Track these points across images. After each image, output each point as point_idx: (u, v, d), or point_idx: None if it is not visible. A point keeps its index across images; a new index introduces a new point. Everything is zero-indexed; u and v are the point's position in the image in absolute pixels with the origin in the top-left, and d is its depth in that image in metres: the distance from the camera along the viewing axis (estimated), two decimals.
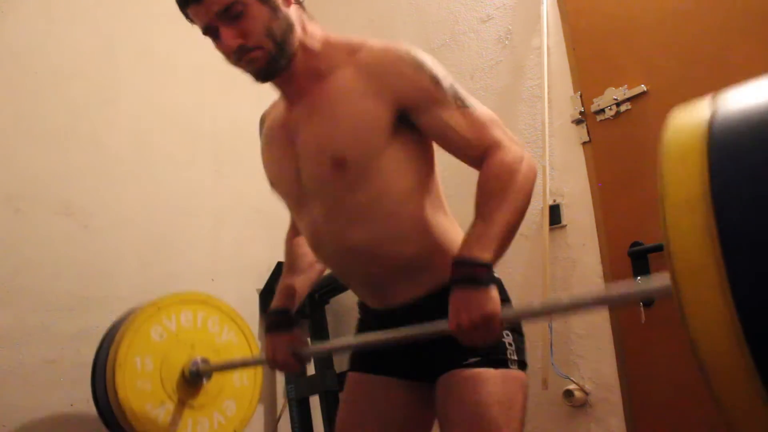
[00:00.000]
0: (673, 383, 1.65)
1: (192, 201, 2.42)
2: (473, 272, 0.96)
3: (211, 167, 2.56)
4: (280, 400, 2.46)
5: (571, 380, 1.84)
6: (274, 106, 1.31)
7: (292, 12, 1.08)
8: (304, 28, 1.11)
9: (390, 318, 1.17)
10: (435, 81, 1.06)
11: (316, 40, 1.12)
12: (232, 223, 2.48)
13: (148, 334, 1.57)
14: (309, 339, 2.39)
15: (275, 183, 1.23)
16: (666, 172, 0.68)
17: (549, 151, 2.01)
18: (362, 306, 1.31)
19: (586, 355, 1.85)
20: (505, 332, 1.16)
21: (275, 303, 1.30)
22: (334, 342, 1.30)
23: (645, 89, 1.78)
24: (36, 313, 1.95)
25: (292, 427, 2.34)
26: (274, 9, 1.05)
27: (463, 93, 1.09)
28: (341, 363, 2.41)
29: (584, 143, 1.94)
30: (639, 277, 1.71)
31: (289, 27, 1.07)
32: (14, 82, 2.07)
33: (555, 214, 1.97)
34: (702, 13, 1.69)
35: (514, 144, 1.07)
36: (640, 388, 1.72)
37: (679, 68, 1.72)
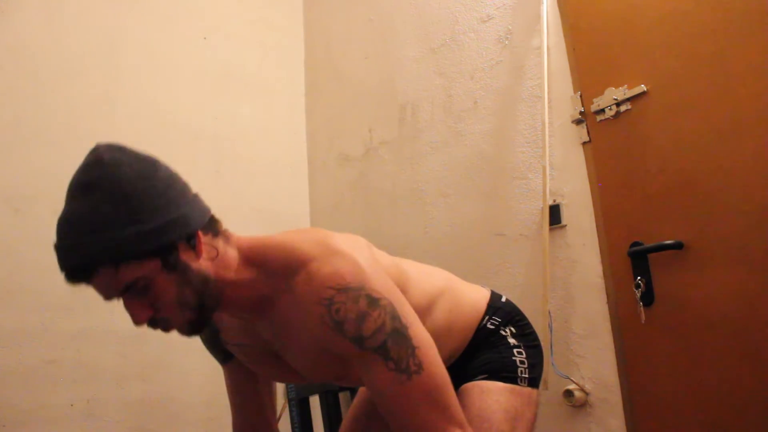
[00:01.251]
0: (673, 383, 1.65)
1: None
2: None
3: (211, 167, 2.56)
4: (280, 400, 2.46)
5: (571, 380, 1.84)
6: (216, 320, 1.16)
7: (204, 262, 0.91)
8: (223, 263, 0.95)
9: None
10: (357, 342, 0.89)
11: (245, 268, 0.97)
12: (232, 223, 2.47)
13: None
14: None
15: (263, 374, 1.20)
16: None
17: (549, 151, 2.01)
18: None
19: (586, 355, 1.85)
20: (517, 350, 1.18)
21: None
22: None
23: (645, 89, 1.78)
24: (36, 313, 1.95)
25: (292, 427, 2.34)
26: (184, 271, 0.88)
27: (406, 348, 0.89)
28: None
29: (584, 143, 1.94)
30: (639, 277, 1.71)
31: (205, 283, 0.91)
32: (14, 82, 2.07)
33: (555, 214, 1.97)
34: (702, 13, 1.68)
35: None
36: (640, 388, 1.72)
37: (679, 68, 1.72)
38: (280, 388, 2.48)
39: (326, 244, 0.94)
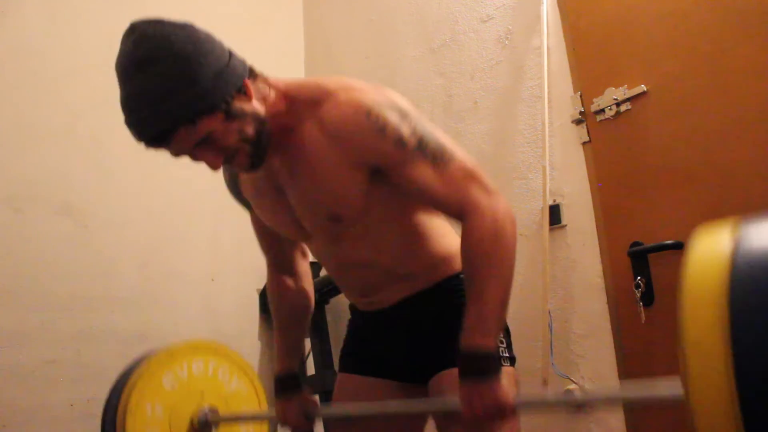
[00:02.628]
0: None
1: (192, 201, 2.42)
2: (480, 364, 0.98)
3: None
4: None
5: (571, 380, 1.84)
6: None
7: (255, 102, 1.03)
8: (267, 100, 1.06)
9: (380, 318, 1.24)
10: (399, 143, 1.01)
11: (279, 102, 1.07)
12: (232, 223, 2.48)
13: (160, 382, 1.61)
14: (309, 339, 2.39)
15: (274, 226, 1.24)
16: (687, 316, 0.72)
17: (549, 151, 2.01)
18: (353, 308, 1.35)
19: (586, 355, 1.85)
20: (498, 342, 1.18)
21: (278, 367, 1.34)
22: (345, 408, 1.31)
23: (645, 89, 1.78)
24: (36, 313, 1.95)
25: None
26: (241, 116, 1.00)
27: (437, 143, 1.04)
28: None
29: (584, 143, 1.94)
30: (639, 277, 1.71)
31: (260, 120, 1.03)
32: (14, 82, 2.07)
33: (555, 214, 1.97)
34: (702, 13, 1.68)
35: (491, 197, 1.05)
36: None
37: (679, 68, 1.72)
38: None
39: (349, 81, 1.06)
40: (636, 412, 1.72)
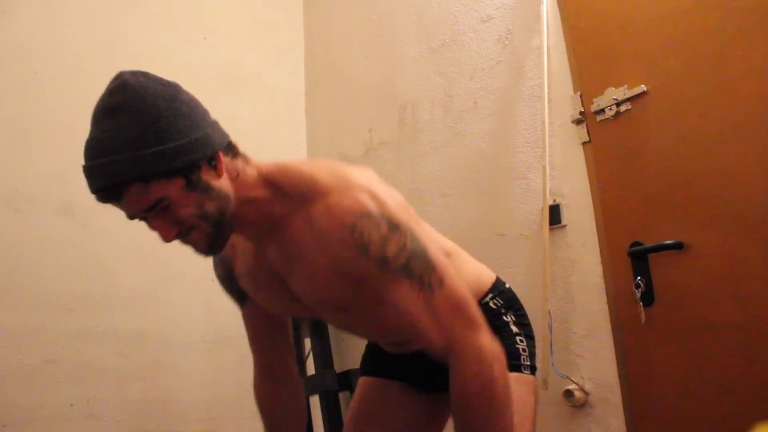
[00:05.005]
0: (673, 383, 1.65)
1: None
2: None
3: None
4: None
5: (571, 380, 1.84)
6: (230, 247, 1.19)
7: (224, 179, 0.96)
8: (242, 182, 0.99)
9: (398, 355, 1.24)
10: (382, 264, 0.94)
11: (258, 186, 1.01)
12: None
13: None
14: (309, 339, 2.39)
15: (280, 312, 1.23)
16: None
17: (549, 151, 2.01)
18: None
19: (586, 355, 1.85)
20: (519, 338, 1.18)
21: None
22: None
23: (645, 89, 1.78)
24: (36, 313, 1.95)
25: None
26: (206, 190, 0.93)
27: (426, 264, 0.96)
28: (341, 363, 2.41)
29: (584, 143, 1.94)
30: (639, 277, 1.71)
31: (225, 200, 0.96)
32: (14, 82, 2.07)
33: (555, 214, 1.97)
34: (702, 12, 1.68)
35: (477, 335, 0.96)
36: (640, 388, 1.72)
37: (679, 68, 1.72)
38: None
39: (344, 177, 0.99)
40: (636, 412, 1.72)
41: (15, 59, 2.09)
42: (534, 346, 1.22)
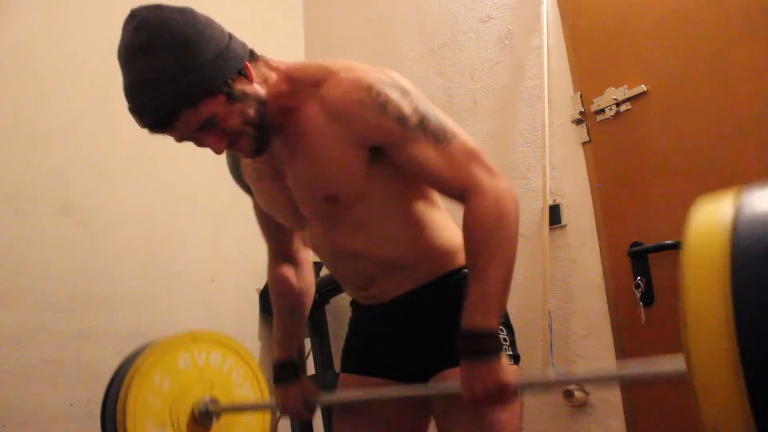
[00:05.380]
0: (673, 383, 1.65)
1: (192, 201, 2.42)
2: (481, 344, 0.97)
3: (211, 167, 2.56)
4: None
5: None
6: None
7: (256, 84, 1.04)
8: (268, 82, 1.07)
9: (382, 312, 1.22)
10: (401, 121, 1.01)
11: (281, 83, 1.08)
12: (232, 223, 2.48)
13: (176, 358, 1.62)
14: (309, 339, 2.39)
15: (272, 212, 1.25)
16: (688, 282, 0.69)
17: (549, 151, 2.01)
18: (354, 304, 1.34)
19: (586, 355, 1.85)
20: (499, 327, 1.17)
21: (277, 355, 1.34)
22: (345, 394, 1.31)
23: (645, 89, 1.78)
24: (36, 313, 1.95)
25: (292, 428, 2.34)
26: (243, 98, 1.01)
27: (438, 123, 1.04)
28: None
29: (584, 143, 1.94)
30: (639, 277, 1.71)
31: (261, 102, 1.03)
32: (14, 82, 2.07)
33: (555, 214, 1.97)
34: (702, 12, 1.69)
35: (494, 177, 1.04)
36: (640, 388, 1.72)
37: (679, 68, 1.72)
38: None
39: (352, 63, 1.06)
40: (636, 412, 1.72)
41: (15, 59, 2.09)
42: (513, 333, 1.21)
